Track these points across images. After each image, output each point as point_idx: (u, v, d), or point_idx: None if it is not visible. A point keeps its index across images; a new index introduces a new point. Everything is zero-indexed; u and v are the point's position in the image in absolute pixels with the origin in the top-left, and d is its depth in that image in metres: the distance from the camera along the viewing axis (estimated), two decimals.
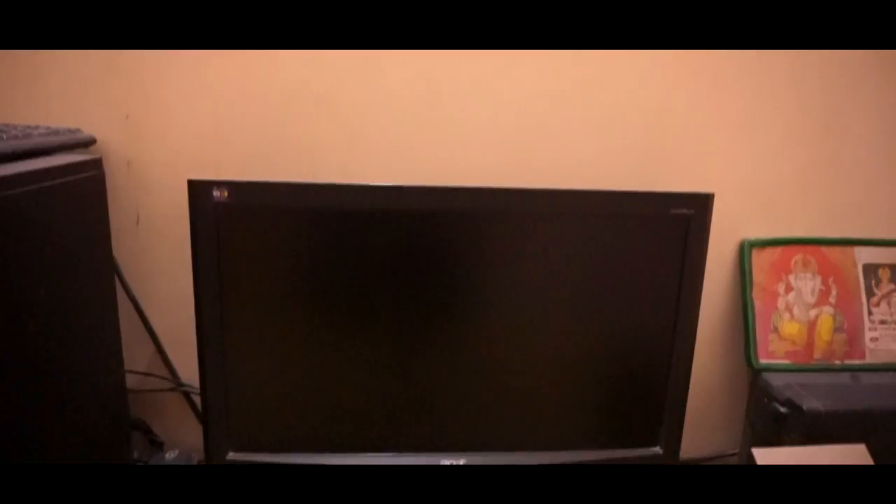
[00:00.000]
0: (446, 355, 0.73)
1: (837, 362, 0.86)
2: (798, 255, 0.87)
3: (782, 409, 0.77)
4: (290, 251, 0.69)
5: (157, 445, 0.92)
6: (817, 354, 0.86)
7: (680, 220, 0.71)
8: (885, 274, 0.87)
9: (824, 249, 0.87)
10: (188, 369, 0.91)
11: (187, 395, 0.93)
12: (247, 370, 0.72)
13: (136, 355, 0.90)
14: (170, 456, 0.88)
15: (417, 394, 0.73)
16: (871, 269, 0.87)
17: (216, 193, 0.66)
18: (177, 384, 0.92)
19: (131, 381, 0.86)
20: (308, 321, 0.71)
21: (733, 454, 0.94)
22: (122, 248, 0.86)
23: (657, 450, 0.78)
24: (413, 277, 0.70)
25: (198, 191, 0.66)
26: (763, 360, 0.86)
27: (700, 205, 0.71)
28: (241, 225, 0.67)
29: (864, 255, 0.87)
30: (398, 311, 0.71)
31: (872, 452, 0.71)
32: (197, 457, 0.89)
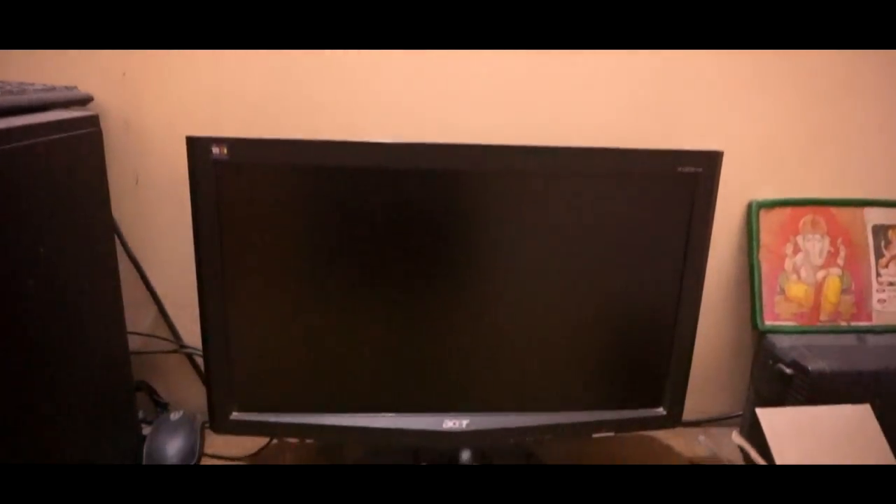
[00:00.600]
0: (449, 315, 0.72)
1: (844, 324, 0.85)
2: (807, 215, 0.85)
3: (787, 371, 0.77)
4: (292, 209, 0.68)
5: (162, 406, 0.93)
6: (823, 316, 0.85)
7: (688, 178, 0.69)
8: (894, 235, 0.86)
9: (834, 210, 0.86)
10: (190, 331, 0.91)
11: (190, 357, 0.93)
12: (249, 330, 0.72)
13: (138, 317, 0.90)
14: (174, 416, 0.88)
15: (420, 354, 0.73)
16: (880, 230, 0.86)
17: (215, 150, 0.65)
18: (179, 346, 0.92)
19: (134, 342, 0.86)
20: (310, 281, 0.71)
21: (737, 416, 0.94)
22: (122, 210, 0.85)
23: (660, 410, 0.78)
24: (416, 236, 0.69)
25: (197, 148, 0.65)
26: (769, 323, 0.85)
27: (709, 163, 0.69)
28: (242, 183, 0.66)
29: (874, 215, 0.86)
30: (401, 271, 0.70)
31: (877, 412, 0.70)
32: (201, 418, 0.90)
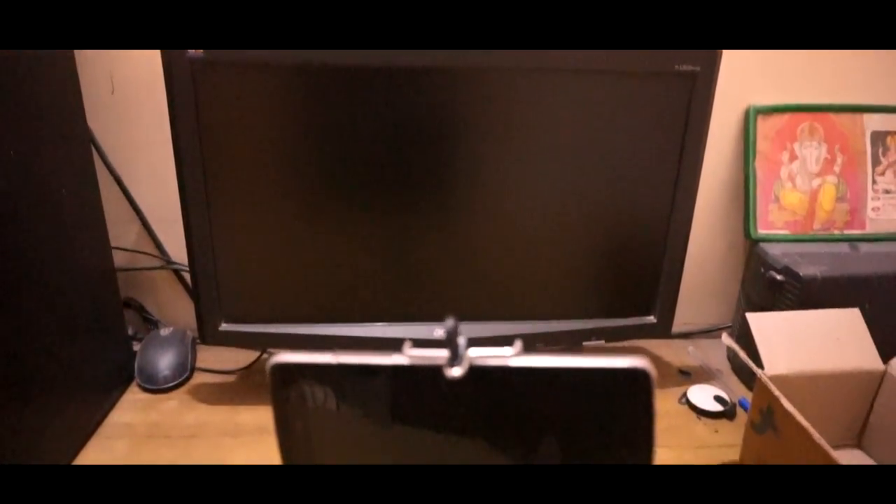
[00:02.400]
0: (440, 223, 0.71)
1: (837, 232, 0.85)
2: (805, 122, 0.83)
3: (778, 277, 0.77)
4: (274, 111, 0.65)
5: (152, 323, 0.93)
6: (817, 225, 0.84)
7: (685, 77, 0.67)
8: (892, 142, 0.84)
9: (832, 116, 0.83)
10: (176, 246, 0.90)
11: (177, 273, 0.92)
12: (235, 241, 0.71)
13: (122, 234, 0.88)
14: (164, 332, 0.88)
15: (410, 262, 0.72)
16: (879, 137, 0.84)
17: (191, 49, 0.61)
18: (166, 262, 0.91)
19: (120, 259, 0.85)
20: (295, 187, 0.69)
21: (727, 327, 0.95)
22: (99, 122, 0.82)
23: (651, 319, 0.78)
24: (405, 138, 0.67)
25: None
26: (762, 231, 0.84)
27: (707, 62, 0.67)
28: (220, 83, 0.63)
29: (874, 122, 0.84)
30: (389, 176, 0.68)
31: (866, 317, 0.70)
32: (192, 334, 0.90)
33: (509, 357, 0.29)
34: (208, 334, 0.74)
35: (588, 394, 0.29)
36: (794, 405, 0.57)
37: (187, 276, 0.92)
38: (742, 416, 0.78)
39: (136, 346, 0.86)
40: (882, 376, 0.68)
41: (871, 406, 0.70)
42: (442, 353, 0.29)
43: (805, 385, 0.66)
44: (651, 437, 0.29)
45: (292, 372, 0.31)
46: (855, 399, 0.69)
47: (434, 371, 0.29)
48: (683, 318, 0.92)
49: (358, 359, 0.31)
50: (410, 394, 0.30)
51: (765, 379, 0.62)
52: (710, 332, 0.98)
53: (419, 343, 0.29)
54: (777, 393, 0.59)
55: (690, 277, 0.89)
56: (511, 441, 0.30)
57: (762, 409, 0.66)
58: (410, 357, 0.30)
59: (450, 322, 0.28)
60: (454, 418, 0.30)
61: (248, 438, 0.74)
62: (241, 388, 0.84)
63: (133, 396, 0.82)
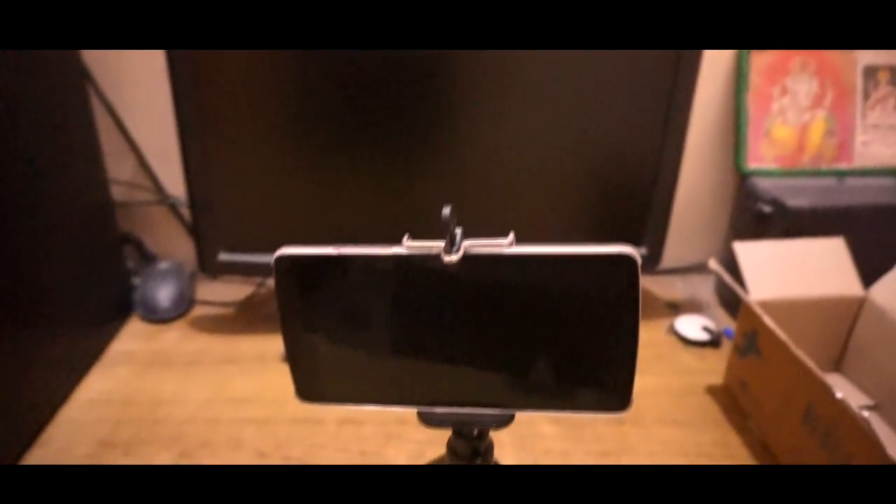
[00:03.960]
0: (435, 151, 0.72)
1: (825, 167, 0.86)
2: (797, 56, 0.84)
3: (766, 209, 0.78)
4: None
5: (150, 259, 0.94)
6: (806, 159, 0.86)
7: None
8: (883, 76, 0.85)
9: (825, 51, 0.84)
10: (173, 182, 0.90)
11: (175, 209, 0.93)
12: (232, 169, 0.71)
13: (118, 168, 0.88)
14: (163, 266, 0.89)
15: (406, 190, 0.73)
16: (870, 72, 0.85)
17: None
18: (163, 197, 0.91)
19: (117, 193, 0.85)
20: (293, 114, 0.69)
21: None
22: (92, 53, 0.81)
23: (642, 250, 0.80)
24: (402, 74, 0.67)
25: None
26: (752, 165, 0.86)
27: None
28: None
29: (866, 57, 0.84)
30: (388, 102, 0.69)
31: (851, 247, 0.72)
32: (189, 267, 0.91)
33: (504, 246, 0.31)
34: (207, 264, 0.76)
35: (577, 280, 0.31)
36: (779, 338, 0.59)
37: (185, 213, 0.93)
38: (727, 345, 0.80)
39: (136, 283, 0.88)
40: (862, 303, 0.70)
41: (851, 332, 0.72)
42: (439, 243, 0.31)
43: (788, 310, 0.68)
44: (635, 323, 0.31)
45: (296, 264, 0.33)
46: (835, 325, 0.72)
47: (432, 260, 0.31)
48: (672, 254, 0.93)
49: (359, 250, 0.32)
50: (410, 283, 0.32)
51: (749, 301, 0.64)
52: (699, 269, 1.00)
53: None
54: (759, 311, 0.61)
55: (680, 215, 0.91)
56: (504, 327, 0.32)
57: (746, 333, 0.69)
58: (409, 247, 0.31)
59: (446, 210, 0.30)
60: (452, 306, 0.31)
61: (249, 366, 0.76)
62: (240, 320, 0.86)
63: (133, 328, 0.83)
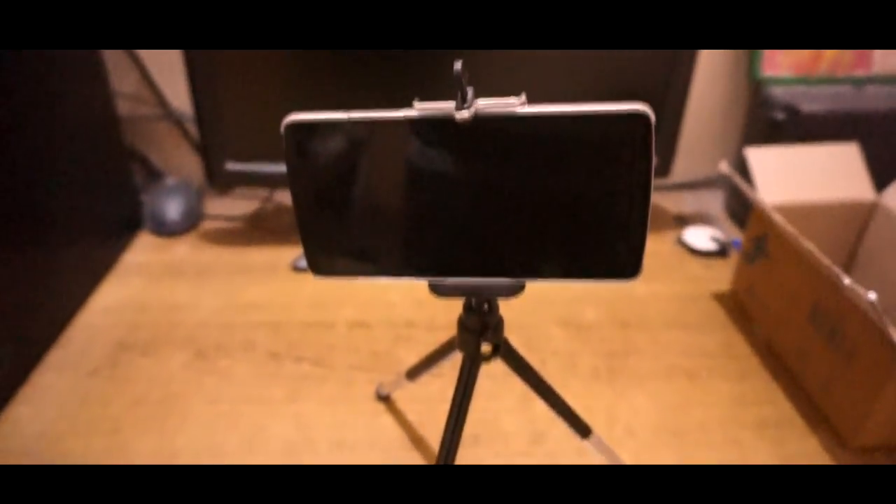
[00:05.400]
0: (444, 58, 0.70)
1: (843, 74, 0.84)
2: None
3: (779, 116, 0.77)
4: None
5: (157, 175, 0.93)
6: (823, 66, 0.83)
7: None
8: None
9: None
10: (177, 95, 0.89)
11: (180, 124, 0.92)
12: (238, 77, 0.70)
13: (122, 83, 0.87)
14: (170, 182, 0.89)
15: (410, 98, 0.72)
16: None
17: None
18: (167, 111, 0.90)
19: (122, 107, 0.84)
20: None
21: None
22: None
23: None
24: None
25: None
26: (767, 73, 0.84)
27: None
28: None
29: None
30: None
31: (866, 153, 0.71)
32: (196, 183, 0.91)
33: (516, 105, 0.30)
34: (215, 174, 0.76)
35: (590, 140, 0.30)
36: (788, 237, 0.59)
37: (190, 128, 0.92)
38: (735, 255, 0.80)
39: (144, 200, 0.88)
40: (874, 208, 0.69)
41: (861, 238, 0.72)
42: (450, 104, 0.30)
43: (798, 215, 0.68)
44: (648, 183, 0.31)
45: (306, 130, 0.32)
46: (846, 230, 0.71)
47: (443, 122, 0.30)
48: (682, 169, 0.93)
49: (370, 114, 0.32)
50: (421, 148, 0.31)
51: (758, 200, 0.63)
52: (708, 184, 0.99)
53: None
54: (769, 210, 0.60)
55: (691, 129, 0.89)
56: (516, 191, 0.31)
57: (755, 238, 0.69)
58: (420, 109, 0.31)
59: (458, 64, 0.29)
60: (464, 170, 0.31)
61: (259, 275, 0.77)
62: (248, 233, 0.86)
63: (144, 241, 0.84)
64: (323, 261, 0.35)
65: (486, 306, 0.38)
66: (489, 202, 0.32)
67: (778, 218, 0.59)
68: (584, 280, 0.33)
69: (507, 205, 0.32)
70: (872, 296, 0.45)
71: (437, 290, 0.35)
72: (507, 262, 0.33)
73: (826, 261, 0.53)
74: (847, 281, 0.48)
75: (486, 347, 0.39)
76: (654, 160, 0.30)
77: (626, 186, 0.31)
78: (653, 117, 0.29)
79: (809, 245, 0.55)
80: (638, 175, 0.30)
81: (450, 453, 0.40)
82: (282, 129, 0.32)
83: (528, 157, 0.31)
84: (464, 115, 0.29)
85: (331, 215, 0.34)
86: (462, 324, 0.39)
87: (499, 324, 0.39)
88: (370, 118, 0.31)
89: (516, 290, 0.34)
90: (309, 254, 0.35)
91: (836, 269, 0.50)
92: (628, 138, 0.30)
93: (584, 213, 0.32)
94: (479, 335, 0.38)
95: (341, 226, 0.34)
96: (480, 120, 0.30)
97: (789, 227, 0.58)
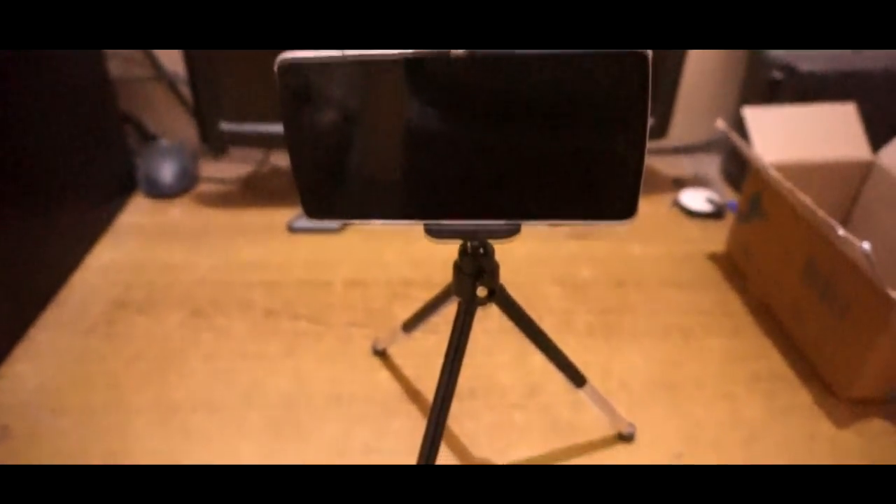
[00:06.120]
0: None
1: None
2: None
3: (777, 76, 0.76)
4: None
5: (151, 138, 0.93)
6: None
7: None
8: None
9: None
10: (169, 57, 0.88)
11: (173, 86, 0.91)
12: None
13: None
14: (164, 144, 0.89)
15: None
16: None
17: None
18: (160, 72, 0.89)
19: (114, 69, 0.83)
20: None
21: (723, 140, 0.96)
22: None
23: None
24: None
25: None
26: None
27: None
28: None
29: None
30: None
31: (864, 113, 0.71)
32: (191, 146, 0.90)
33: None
34: (209, 134, 0.75)
35: (588, 81, 0.30)
36: (783, 192, 0.59)
37: (183, 90, 0.91)
38: (730, 217, 0.80)
39: (138, 163, 0.87)
40: (870, 167, 0.69)
41: (857, 197, 0.72)
42: None
43: (795, 173, 0.68)
44: (644, 124, 0.31)
45: (300, 70, 0.32)
46: (842, 189, 0.71)
47: (439, 61, 0.30)
48: (679, 133, 0.92)
49: (365, 52, 0.31)
50: (417, 88, 0.31)
51: (754, 157, 0.63)
52: (705, 148, 0.99)
53: None
54: (765, 165, 0.60)
55: (688, 92, 0.89)
56: (513, 132, 0.31)
57: (751, 196, 0.69)
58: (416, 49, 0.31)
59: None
60: (460, 111, 0.31)
61: (255, 236, 0.76)
62: (244, 195, 0.85)
63: (139, 203, 0.84)
64: (318, 204, 0.35)
65: (481, 250, 0.38)
66: (485, 143, 0.32)
67: (773, 173, 0.59)
68: (579, 221, 0.33)
69: (504, 146, 0.32)
70: (866, 245, 0.45)
71: (432, 232, 0.35)
72: (502, 203, 0.33)
73: (821, 213, 0.53)
74: (841, 232, 0.48)
75: (482, 291, 0.39)
76: (650, 103, 0.30)
77: (623, 127, 0.31)
78: (650, 57, 0.29)
79: (805, 198, 0.55)
80: (635, 115, 0.30)
81: (446, 398, 0.40)
82: (275, 67, 0.32)
83: (525, 98, 0.31)
84: (458, 52, 0.29)
85: (325, 157, 0.34)
86: (458, 268, 0.39)
87: (494, 269, 0.39)
88: (365, 57, 0.31)
89: (512, 232, 0.34)
90: (303, 197, 0.35)
91: (831, 221, 0.50)
92: (626, 78, 0.30)
93: (581, 153, 0.32)
94: (475, 278, 0.38)
95: (336, 168, 0.34)
96: (477, 59, 0.30)
97: (785, 182, 0.58)
